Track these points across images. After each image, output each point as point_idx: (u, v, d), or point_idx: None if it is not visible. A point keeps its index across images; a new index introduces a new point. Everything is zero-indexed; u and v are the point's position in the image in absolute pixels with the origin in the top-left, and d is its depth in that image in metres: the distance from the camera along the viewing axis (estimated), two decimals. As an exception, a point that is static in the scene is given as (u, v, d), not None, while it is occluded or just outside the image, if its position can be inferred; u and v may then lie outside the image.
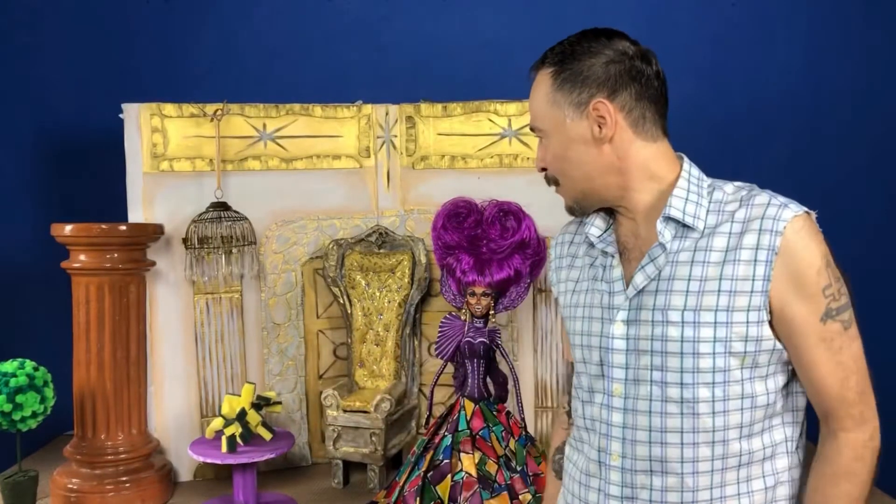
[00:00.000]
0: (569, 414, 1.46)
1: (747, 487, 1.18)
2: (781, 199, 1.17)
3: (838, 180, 2.89)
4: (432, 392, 2.18)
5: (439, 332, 2.13)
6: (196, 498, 2.22)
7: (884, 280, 2.87)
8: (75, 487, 2.11)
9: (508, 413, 2.07)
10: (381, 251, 2.47)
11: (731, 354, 1.14)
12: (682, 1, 2.91)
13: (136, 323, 2.22)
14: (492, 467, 1.93)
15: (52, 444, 2.64)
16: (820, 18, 2.89)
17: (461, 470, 1.91)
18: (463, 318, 2.09)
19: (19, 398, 1.94)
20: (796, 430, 1.23)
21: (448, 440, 1.97)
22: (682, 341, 1.15)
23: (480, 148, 2.50)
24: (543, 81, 1.24)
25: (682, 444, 1.17)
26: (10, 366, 1.98)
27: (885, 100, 2.89)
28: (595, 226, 1.29)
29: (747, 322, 1.13)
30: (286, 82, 2.86)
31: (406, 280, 2.42)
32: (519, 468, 1.96)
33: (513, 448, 2.00)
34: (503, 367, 2.13)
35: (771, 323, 1.14)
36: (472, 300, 2.06)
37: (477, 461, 1.92)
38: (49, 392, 2.02)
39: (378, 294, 2.43)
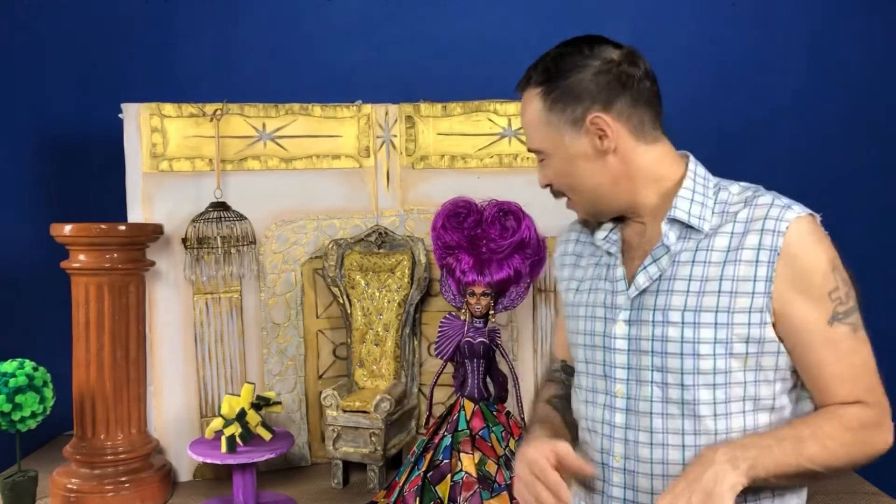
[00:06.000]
0: (558, 373, 1.45)
1: (755, 496, 1.15)
2: (785, 200, 1.15)
3: (839, 180, 2.89)
4: (432, 392, 2.18)
5: (439, 331, 2.13)
6: (196, 498, 2.22)
7: (885, 281, 2.87)
8: (75, 487, 2.11)
9: (508, 413, 2.07)
10: (381, 251, 2.47)
11: (732, 356, 1.12)
12: (682, 1, 2.91)
13: (135, 323, 2.22)
14: (491, 467, 1.93)
15: (51, 444, 2.64)
16: (820, 18, 2.89)
17: (461, 470, 1.91)
18: (463, 318, 2.09)
19: (19, 398, 1.94)
20: None
21: (448, 440, 1.97)
22: (682, 342, 1.14)
23: (480, 148, 2.50)
24: (533, 101, 1.21)
25: (683, 445, 1.15)
26: (9, 366, 1.98)
27: (885, 99, 2.88)
28: (601, 226, 1.28)
29: (749, 323, 1.11)
30: (286, 82, 2.86)
31: (406, 280, 2.41)
32: (519, 468, 1.96)
33: (513, 448, 1.99)
34: (503, 367, 2.13)
35: (774, 325, 1.12)
36: (472, 300, 2.06)
37: (477, 461, 1.92)
38: (48, 392, 2.02)
39: (378, 294, 2.43)
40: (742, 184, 1.22)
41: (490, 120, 2.50)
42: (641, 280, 1.19)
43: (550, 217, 2.34)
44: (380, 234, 2.45)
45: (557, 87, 1.18)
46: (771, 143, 2.90)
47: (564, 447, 1.16)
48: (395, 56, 2.90)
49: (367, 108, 2.50)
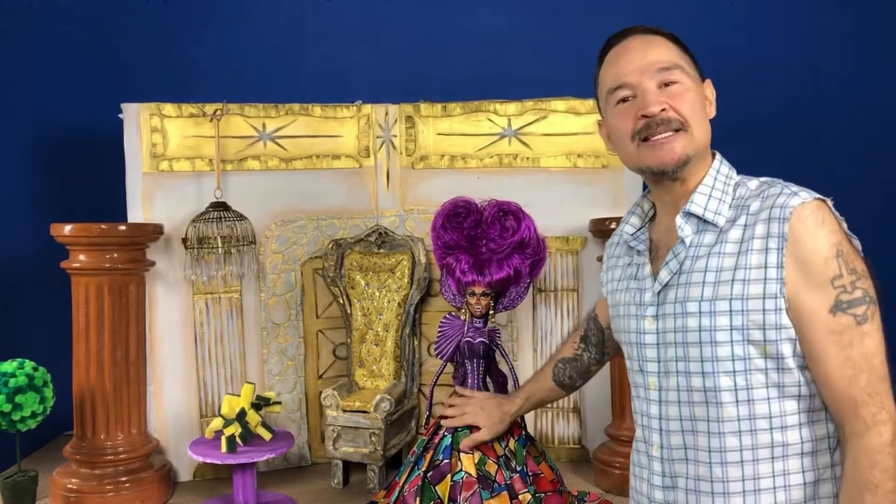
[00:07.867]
0: (582, 339, 1.70)
1: (784, 481, 1.16)
2: (795, 188, 1.17)
3: (838, 181, 2.88)
4: (432, 392, 2.18)
5: (439, 331, 2.13)
6: (196, 498, 2.22)
7: (884, 281, 2.87)
8: (75, 487, 2.11)
9: (508, 413, 2.07)
10: (381, 251, 2.47)
11: (749, 343, 1.14)
12: (682, 1, 2.91)
13: (135, 323, 2.22)
14: (491, 467, 1.93)
15: (52, 444, 2.65)
16: (820, 18, 2.89)
17: (461, 470, 1.91)
18: (463, 318, 2.09)
19: (19, 398, 1.94)
20: None
21: (448, 440, 1.97)
22: (700, 331, 1.17)
23: (480, 148, 2.50)
24: (667, 43, 1.30)
25: (708, 432, 1.18)
26: (9, 366, 1.98)
27: (884, 99, 2.89)
28: (630, 224, 1.35)
29: (763, 310, 1.13)
30: (286, 82, 2.86)
31: (406, 280, 2.41)
32: (518, 468, 1.96)
33: (512, 448, 1.99)
34: (503, 367, 2.13)
35: (788, 312, 1.13)
36: (472, 300, 2.06)
37: (476, 461, 1.92)
38: (48, 392, 2.02)
39: (378, 294, 2.43)
40: (763, 179, 1.25)
41: (490, 120, 2.50)
42: (664, 275, 1.24)
43: (550, 217, 2.35)
44: (380, 234, 2.45)
45: (684, 47, 1.31)
46: (769, 143, 2.90)
47: (479, 434, 1.77)
48: (395, 56, 2.90)
49: (367, 108, 2.50)
